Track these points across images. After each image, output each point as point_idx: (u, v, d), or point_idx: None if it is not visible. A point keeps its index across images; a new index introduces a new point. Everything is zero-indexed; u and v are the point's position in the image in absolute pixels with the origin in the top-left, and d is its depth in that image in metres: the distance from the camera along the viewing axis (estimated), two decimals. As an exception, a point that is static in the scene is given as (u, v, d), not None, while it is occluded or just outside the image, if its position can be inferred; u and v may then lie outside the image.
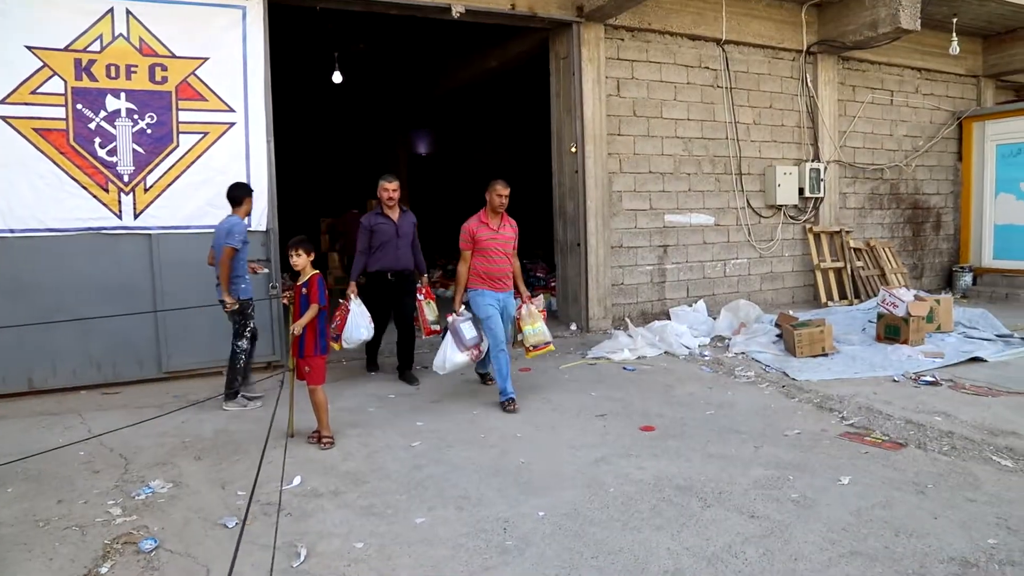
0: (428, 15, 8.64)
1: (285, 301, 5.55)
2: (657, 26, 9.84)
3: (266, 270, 7.28)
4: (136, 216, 7.22)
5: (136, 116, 7.15)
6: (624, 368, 7.83)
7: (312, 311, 5.32)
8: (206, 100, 7.41)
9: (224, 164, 7.48)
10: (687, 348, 8.57)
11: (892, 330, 8.42)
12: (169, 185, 7.31)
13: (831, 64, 11.45)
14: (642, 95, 9.91)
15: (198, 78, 7.36)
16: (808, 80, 11.28)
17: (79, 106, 6.95)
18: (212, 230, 7.39)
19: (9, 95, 6.74)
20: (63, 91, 6.89)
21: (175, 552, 3.80)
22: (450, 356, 6.41)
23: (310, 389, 5.44)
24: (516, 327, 6.87)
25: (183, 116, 7.32)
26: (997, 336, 8.62)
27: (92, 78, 6.98)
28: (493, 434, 5.66)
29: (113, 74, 7.05)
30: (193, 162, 7.37)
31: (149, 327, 7.33)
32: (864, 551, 3.67)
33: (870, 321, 9.17)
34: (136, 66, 7.13)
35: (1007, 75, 13.46)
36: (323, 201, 17.47)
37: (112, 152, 7.10)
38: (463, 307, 6.65)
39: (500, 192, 6.47)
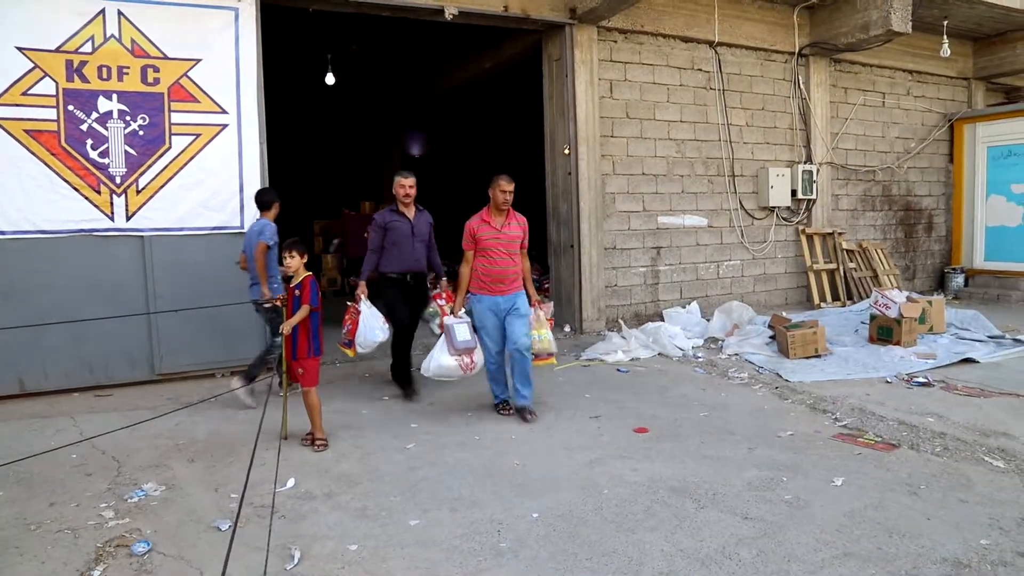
0: (421, 17, 8.63)
1: (278, 303, 5.53)
2: (650, 28, 9.86)
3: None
4: (128, 218, 7.20)
5: (128, 118, 7.13)
6: (618, 370, 7.83)
7: (303, 311, 5.30)
8: (198, 102, 7.39)
9: (217, 166, 7.46)
10: (681, 350, 8.58)
11: (885, 331, 8.45)
12: (162, 187, 7.28)
13: (823, 66, 11.49)
14: (635, 97, 9.93)
15: (190, 79, 7.34)
16: (800, 82, 11.31)
17: (71, 107, 6.92)
18: (204, 232, 7.43)
19: (0, 96, 6.71)
20: (54, 92, 6.86)
21: (168, 555, 3.79)
22: (437, 357, 5.98)
23: (303, 391, 5.43)
24: None
25: (175, 118, 7.30)
26: (989, 337, 8.65)
27: (84, 79, 6.95)
28: (487, 436, 5.66)
29: (105, 75, 7.03)
30: (186, 164, 7.35)
31: (142, 329, 7.30)
32: (857, 552, 3.68)
33: (863, 322, 9.20)
34: (128, 67, 7.11)
35: (997, 77, 13.53)
36: (316, 203, 17.43)
37: (104, 154, 7.07)
38: (463, 310, 6.23)
39: (504, 188, 5.99)
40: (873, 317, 8.71)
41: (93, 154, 7.03)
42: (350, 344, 6.58)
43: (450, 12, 8.40)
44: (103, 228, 7.13)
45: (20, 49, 6.73)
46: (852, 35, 10.58)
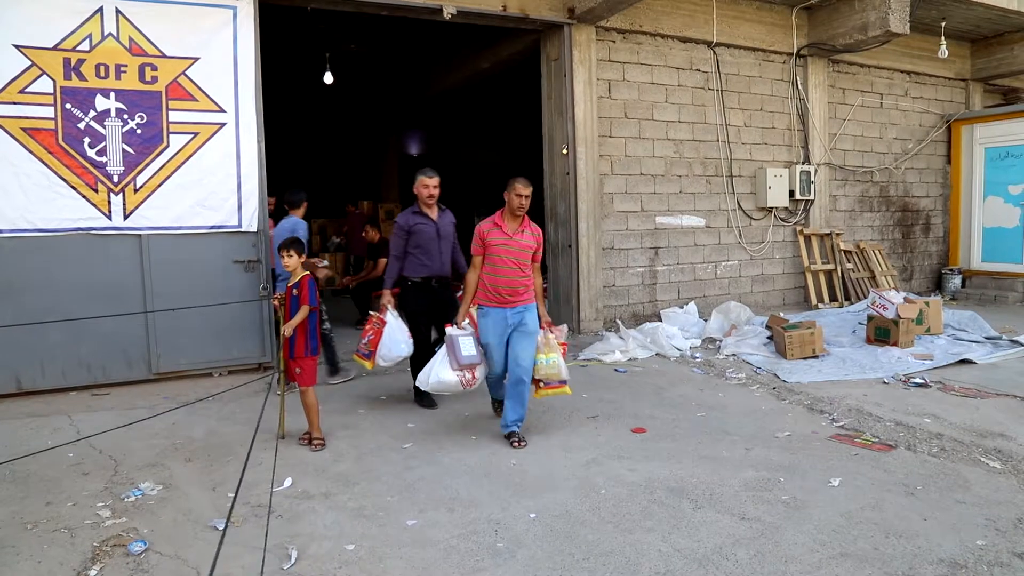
0: (419, 16, 8.63)
1: (276, 303, 5.53)
2: (648, 28, 9.86)
3: (325, 262, 7.93)
4: (126, 216, 7.18)
5: (126, 116, 7.11)
6: (616, 370, 7.83)
7: (303, 312, 5.31)
8: (196, 100, 7.38)
9: (215, 165, 7.45)
10: (678, 350, 8.59)
11: (882, 332, 8.46)
12: (159, 185, 7.27)
13: (821, 67, 11.50)
14: (633, 97, 9.93)
15: (188, 78, 7.33)
16: (798, 83, 11.32)
17: (68, 106, 6.91)
18: (202, 231, 7.43)
19: (-3, 94, 6.71)
20: (52, 90, 6.84)
21: (165, 554, 3.78)
22: (437, 371, 5.48)
23: (301, 390, 5.43)
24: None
25: (173, 116, 7.29)
26: (986, 338, 8.67)
27: (81, 77, 6.94)
28: (484, 436, 5.66)
29: (103, 74, 7.02)
30: (183, 162, 7.34)
31: (139, 328, 7.29)
32: (854, 552, 3.68)
33: (860, 323, 9.22)
34: (126, 66, 7.09)
35: (995, 79, 13.54)
36: (314, 202, 17.40)
37: (102, 152, 7.06)
38: (467, 321, 5.72)
39: (520, 192, 5.47)
40: (870, 318, 8.72)
41: (91, 152, 7.02)
42: (369, 355, 6.21)
43: (448, 11, 8.40)
44: (101, 227, 7.11)
45: (17, 47, 6.71)
46: (850, 36, 10.59)
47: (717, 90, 10.57)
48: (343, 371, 7.56)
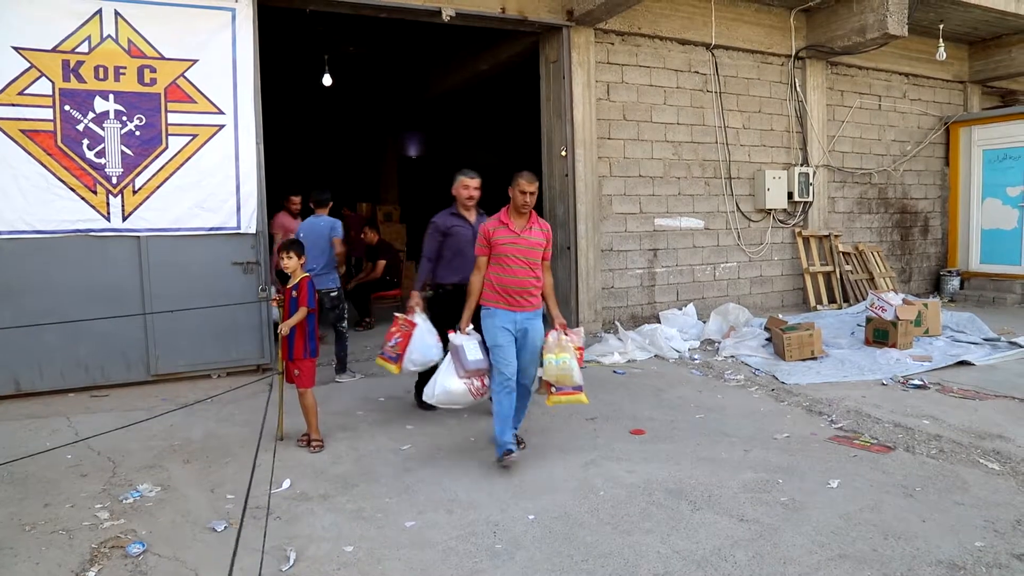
0: (418, 18, 8.63)
1: (275, 304, 5.52)
2: (647, 30, 9.87)
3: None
4: (125, 218, 7.18)
5: (125, 118, 7.11)
6: (614, 372, 7.83)
7: (300, 313, 5.31)
8: (195, 102, 7.38)
9: (213, 166, 7.45)
10: (677, 352, 8.59)
11: (881, 334, 8.47)
12: (158, 187, 7.27)
13: (820, 69, 11.51)
14: (632, 99, 9.93)
15: (187, 80, 7.33)
16: (797, 85, 11.33)
17: (67, 107, 6.91)
18: (200, 232, 7.44)
19: (-4, 96, 6.71)
20: (51, 92, 6.85)
21: (163, 556, 3.78)
22: (443, 381, 5.16)
23: (300, 392, 5.43)
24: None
25: (172, 118, 7.29)
26: (984, 340, 8.68)
27: (80, 79, 6.94)
28: (483, 437, 5.65)
29: (101, 75, 7.02)
30: (182, 164, 7.34)
31: (138, 330, 7.29)
32: (853, 554, 3.69)
33: (859, 325, 9.22)
34: (125, 68, 7.09)
35: (993, 81, 13.56)
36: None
37: (100, 154, 7.06)
38: (471, 327, 5.32)
39: (524, 188, 5.14)
40: (869, 319, 8.73)
41: (89, 154, 7.01)
42: (396, 359, 5.85)
43: (447, 13, 8.40)
44: (99, 228, 7.11)
45: (16, 49, 6.71)
46: (848, 38, 10.60)
47: (716, 92, 10.58)
48: (349, 372, 7.68)
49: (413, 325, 5.89)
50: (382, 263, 10.89)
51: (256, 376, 7.50)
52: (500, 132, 18.25)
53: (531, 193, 5.17)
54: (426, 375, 5.77)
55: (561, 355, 5.10)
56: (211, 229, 7.50)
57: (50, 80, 6.84)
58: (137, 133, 7.16)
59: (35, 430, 5.97)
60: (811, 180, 11.36)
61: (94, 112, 7.00)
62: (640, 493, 4.52)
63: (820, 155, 11.60)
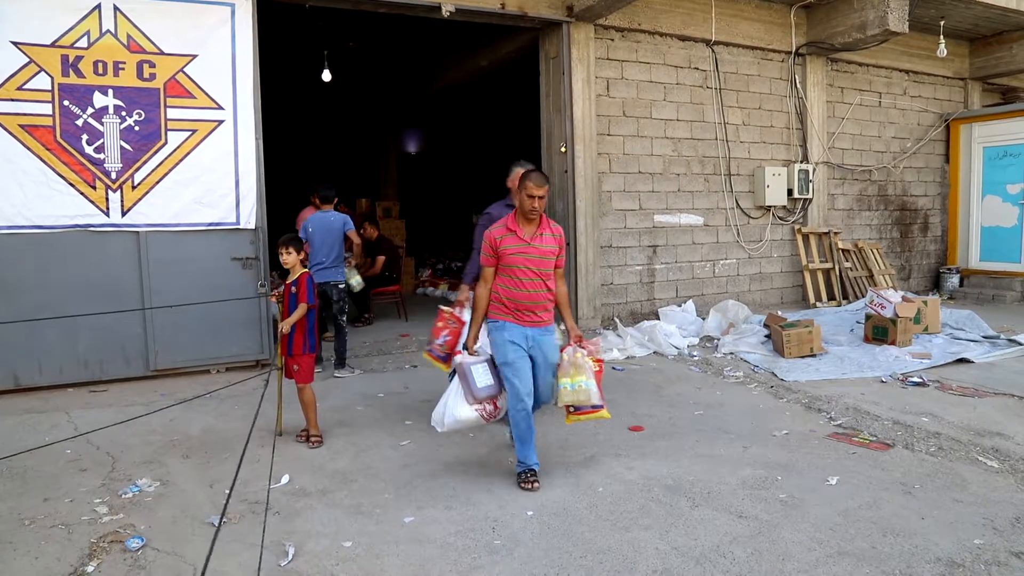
0: (418, 14, 8.62)
1: (274, 300, 5.52)
2: (647, 26, 9.86)
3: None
4: (124, 213, 7.18)
5: (124, 113, 7.10)
6: (613, 368, 7.83)
7: (301, 310, 5.31)
8: (195, 97, 7.37)
9: (213, 162, 7.45)
10: (676, 348, 8.59)
11: (880, 331, 8.47)
12: (157, 182, 7.26)
13: (820, 65, 11.50)
14: (632, 95, 9.92)
15: (186, 75, 7.32)
16: (797, 81, 11.32)
17: (66, 103, 6.90)
18: (200, 228, 7.44)
19: (-5, 91, 6.70)
20: (50, 87, 6.83)
21: (162, 551, 3.78)
22: (452, 408, 4.65)
23: (299, 387, 5.43)
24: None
25: (171, 113, 7.28)
26: (984, 337, 8.67)
27: (79, 74, 6.93)
28: (482, 434, 5.65)
29: (101, 71, 7.01)
30: (181, 160, 7.33)
31: (137, 325, 7.29)
32: (851, 551, 3.69)
33: (858, 322, 9.22)
34: (124, 63, 7.08)
35: (994, 78, 13.54)
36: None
37: (100, 149, 7.05)
38: (479, 344, 4.90)
39: (532, 192, 4.57)
40: (868, 317, 8.72)
41: (88, 149, 7.01)
42: (446, 359, 5.55)
43: (447, 9, 8.39)
44: (98, 224, 7.11)
45: (15, 44, 6.70)
46: (849, 34, 10.59)
47: (716, 88, 10.57)
48: (348, 367, 7.72)
49: (462, 323, 5.55)
50: (381, 259, 10.89)
51: (255, 371, 7.50)
52: (500, 128, 18.26)
53: (540, 198, 4.61)
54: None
55: (577, 379, 4.67)
56: (210, 224, 7.49)
57: (49, 75, 6.83)
58: (136, 128, 7.15)
59: (34, 425, 5.97)
60: (811, 177, 11.36)
61: (93, 107, 6.99)
62: (639, 490, 4.52)
63: (820, 152, 11.60)
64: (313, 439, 5.40)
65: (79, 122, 6.95)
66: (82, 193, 7.01)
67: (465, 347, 4.82)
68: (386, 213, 15.49)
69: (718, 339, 8.96)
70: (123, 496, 4.47)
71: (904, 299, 8.75)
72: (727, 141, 10.70)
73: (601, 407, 4.80)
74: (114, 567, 3.62)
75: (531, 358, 4.68)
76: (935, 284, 13.42)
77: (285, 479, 4.72)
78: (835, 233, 11.81)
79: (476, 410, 4.65)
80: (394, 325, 10.38)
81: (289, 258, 5.42)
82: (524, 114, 13.23)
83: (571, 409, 4.77)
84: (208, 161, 7.43)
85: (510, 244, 4.65)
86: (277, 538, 3.87)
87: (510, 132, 17.51)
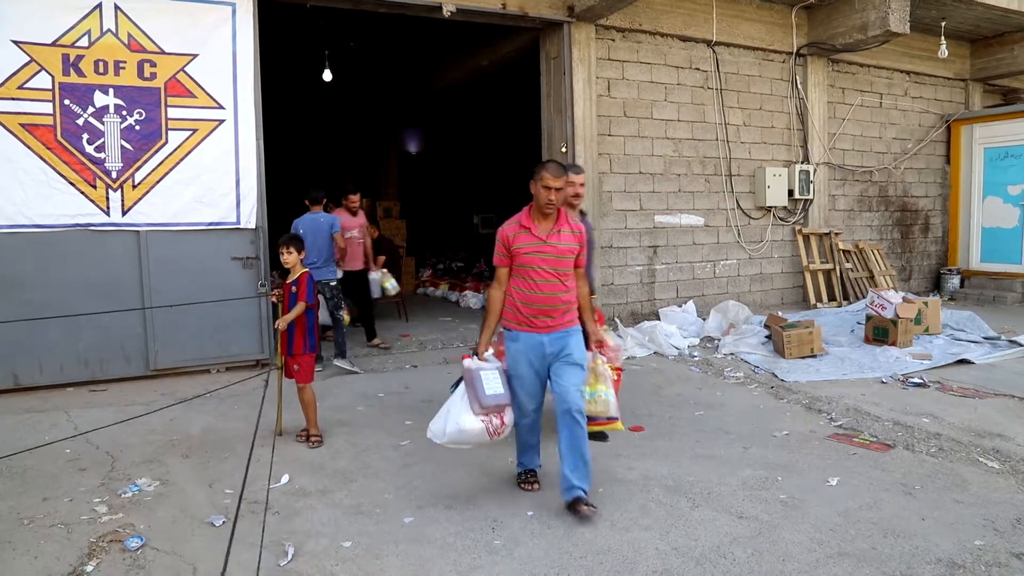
0: (419, 14, 8.62)
1: (274, 299, 5.52)
2: (648, 27, 9.85)
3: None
4: (124, 213, 7.18)
5: (124, 112, 7.10)
6: (613, 368, 7.82)
7: (298, 308, 5.30)
8: (195, 97, 7.37)
9: (213, 161, 7.44)
10: (676, 349, 8.58)
11: (880, 332, 8.46)
12: (158, 182, 7.26)
13: (821, 66, 11.49)
14: (632, 96, 9.92)
15: (187, 75, 7.31)
16: (798, 82, 11.31)
17: (67, 102, 6.89)
18: (200, 227, 7.45)
19: (-4, 90, 6.70)
20: (50, 86, 6.83)
21: (161, 550, 3.78)
22: (456, 418, 4.22)
23: (299, 387, 5.43)
24: None
25: (172, 113, 7.28)
26: (984, 338, 8.67)
27: (80, 74, 6.92)
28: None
29: (101, 70, 7.00)
30: (182, 159, 7.33)
31: (137, 324, 7.29)
32: (852, 552, 3.68)
33: (859, 323, 9.21)
34: (125, 62, 7.08)
35: (995, 79, 13.54)
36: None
37: (100, 148, 7.05)
38: (490, 352, 4.48)
39: (549, 183, 4.21)
40: (869, 318, 8.72)
41: (89, 149, 7.00)
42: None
43: (448, 9, 8.39)
44: (99, 223, 7.11)
45: (16, 43, 6.70)
46: (850, 35, 10.59)
47: (716, 89, 10.56)
48: (349, 360, 7.90)
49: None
50: (381, 259, 10.86)
51: (255, 371, 7.49)
52: (500, 128, 18.25)
53: (557, 189, 4.23)
54: None
55: (596, 387, 4.48)
56: (211, 224, 7.49)
57: (50, 74, 6.83)
58: (137, 127, 7.15)
59: (34, 424, 5.96)
60: (812, 178, 11.35)
61: (94, 106, 6.99)
62: (639, 490, 4.51)
63: (821, 153, 11.59)
64: (313, 439, 5.39)
65: (80, 121, 6.95)
66: (82, 192, 7.01)
67: (475, 352, 4.42)
68: (386, 213, 15.50)
69: (718, 340, 8.96)
70: (123, 496, 4.47)
71: (905, 300, 8.74)
72: (728, 142, 10.70)
73: (616, 419, 4.62)
74: (113, 567, 3.62)
75: (553, 364, 4.30)
76: (936, 285, 13.42)
77: (285, 479, 4.71)
78: (836, 234, 11.81)
79: (482, 421, 4.21)
80: (394, 325, 10.38)
81: (290, 258, 5.42)
82: (525, 114, 13.22)
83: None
84: (209, 160, 7.43)
85: (524, 243, 4.28)
86: (277, 538, 3.86)
87: (511, 132, 17.52)
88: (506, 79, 13.46)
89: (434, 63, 13.97)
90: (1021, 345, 8.23)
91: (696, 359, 8.22)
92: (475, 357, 4.38)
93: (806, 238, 11.55)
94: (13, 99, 6.72)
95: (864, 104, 12.22)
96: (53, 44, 6.82)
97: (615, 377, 4.58)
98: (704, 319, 9.70)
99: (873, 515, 4.11)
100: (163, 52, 7.21)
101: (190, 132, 7.35)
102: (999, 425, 5.66)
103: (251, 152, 7.60)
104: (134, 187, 7.19)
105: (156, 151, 7.24)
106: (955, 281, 13.02)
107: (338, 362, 7.78)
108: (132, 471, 4.87)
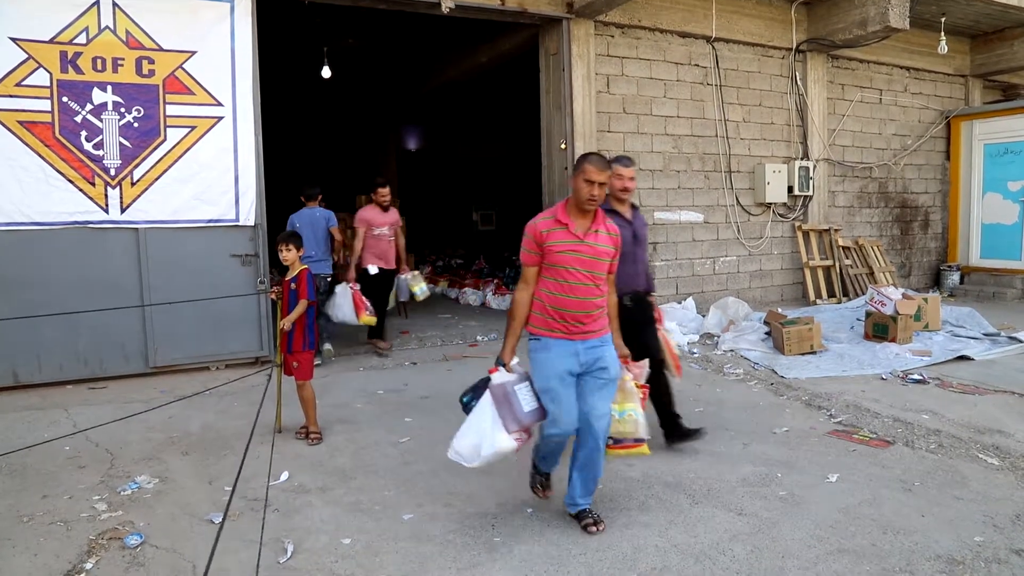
0: (418, 10, 8.60)
1: (273, 296, 5.51)
2: (647, 23, 9.84)
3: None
4: (123, 210, 7.17)
5: (123, 109, 7.09)
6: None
7: (301, 307, 5.30)
8: (194, 94, 7.36)
9: (212, 159, 7.44)
10: (676, 345, 8.56)
11: (880, 328, 8.46)
12: (156, 179, 7.25)
13: (820, 62, 11.48)
14: (632, 92, 9.91)
15: (186, 72, 7.30)
16: (798, 78, 11.30)
17: (65, 99, 6.88)
18: (199, 225, 7.44)
19: (-6, 87, 6.69)
20: (49, 84, 6.82)
21: (161, 548, 3.78)
22: (492, 436, 3.77)
23: (298, 384, 5.42)
24: None
25: (170, 110, 7.27)
26: (984, 335, 8.67)
27: (78, 71, 6.91)
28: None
29: (99, 67, 6.99)
30: (180, 156, 7.32)
31: (136, 322, 7.28)
32: (852, 548, 3.68)
33: (858, 319, 9.21)
34: (123, 59, 7.07)
35: (994, 75, 13.53)
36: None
37: (99, 146, 7.04)
38: (515, 360, 3.98)
39: (592, 176, 3.82)
40: (869, 314, 8.71)
41: (87, 146, 6.99)
42: None
43: (447, 5, 8.36)
44: (97, 220, 7.10)
45: (14, 40, 6.69)
46: (850, 31, 10.57)
47: (716, 85, 10.55)
48: (329, 347, 8.18)
49: None
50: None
51: (254, 368, 7.49)
52: (500, 125, 18.23)
53: (600, 184, 3.85)
54: (663, 407, 5.14)
55: (625, 406, 4.11)
56: (209, 221, 7.49)
57: (48, 71, 6.81)
58: (135, 125, 7.14)
59: (33, 422, 5.96)
60: (811, 174, 11.34)
61: (92, 103, 6.98)
62: (639, 486, 4.51)
63: (820, 149, 11.58)
64: (312, 436, 5.39)
65: (78, 118, 6.94)
66: (81, 190, 7.00)
67: (500, 363, 3.94)
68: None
69: (718, 336, 8.95)
70: (122, 493, 4.46)
71: (904, 296, 8.74)
72: (727, 138, 10.69)
73: (644, 441, 4.20)
74: (113, 564, 3.62)
75: (585, 377, 3.92)
76: (935, 281, 13.41)
77: (284, 476, 4.71)
78: (835, 230, 11.80)
79: (516, 439, 3.83)
80: (393, 322, 10.36)
81: (289, 255, 5.41)
82: (524, 111, 13.21)
83: (610, 441, 4.07)
84: (207, 158, 7.42)
85: (559, 240, 3.87)
86: (276, 535, 3.86)
87: (510, 129, 17.50)
88: (505, 75, 13.46)
89: (433, 60, 13.96)
90: (1021, 341, 8.23)
91: (696, 356, 8.22)
92: (502, 369, 3.90)
93: (806, 234, 11.54)
94: (11, 96, 6.71)
95: (864, 100, 12.21)
96: (51, 41, 6.81)
97: (641, 395, 4.25)
98: (704, 316, 9.69)
99: (873, 511, 4.11)
100: (161, 49, 7.20)
101: (189, 129, 7.34)
102: (999, 421, 5.66)
103: (250, 149, 7.59)
104: (133, 184, 7.18)
105: (154, 148, 7.23)
106: (955, 277, 13.02)
107: (322, 347, 7.95)
108: (131, 468, 4.87)
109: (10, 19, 6.67)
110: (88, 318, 6.84)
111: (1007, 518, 3.99)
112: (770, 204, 11.15)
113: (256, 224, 7.64)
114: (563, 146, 9.47)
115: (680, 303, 10.07)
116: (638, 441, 4.16)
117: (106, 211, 7.11)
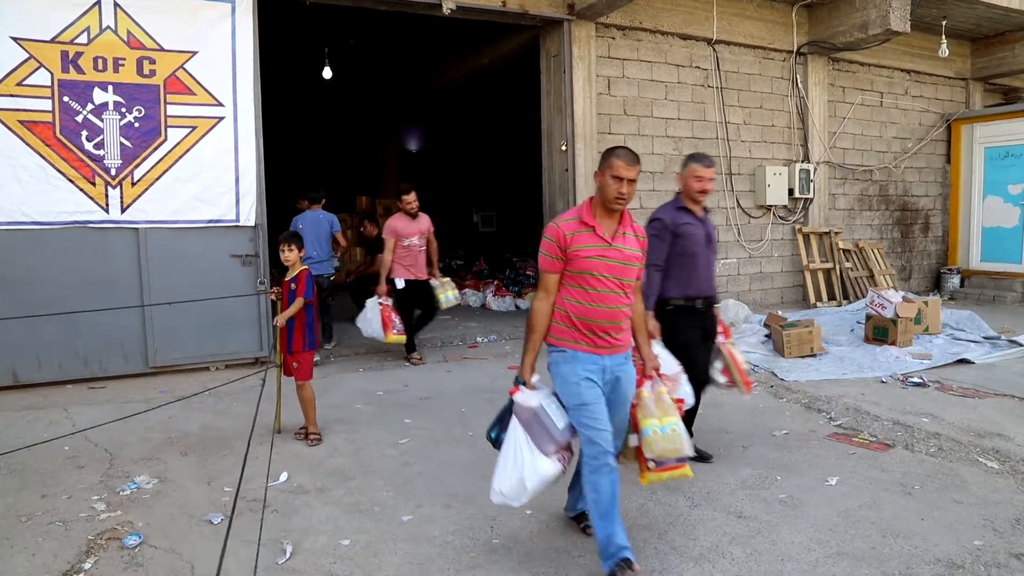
0: (419, 11, 8.61)
1: (273, 297, 5.51)
2: (648, 25, 9.84)
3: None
4: (123, 210, 7.17)
5: (124, 109, 7.09)
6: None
7: (297, 304, 5.28)
8: (195, 94, 7.36)
9: (212, 159, 7.44)
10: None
11: (880, 331, 8.45)
12: (157, 179, 7.25)
13: (821, 65, 11.48)
14: (633, 94, 9.91)
15: (187, 72, 7.30)
16: (798, 81, 11.30)
17: (66, 99, 6.88)
18: (199, 225, 7.45)
19: (-5, 86, 6.69)
20: (50, 83, 6.82)
21: (159, 548, 3.77)
22: (531, 468, 3.47)
23: (298, 385, 5.42)
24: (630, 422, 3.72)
25: (171, 110, 7.27)
26: (984, 338, 8.66)
27: (79, 70, 6.91)
28: (480, 432, 5.62)
29: (100, 67, 6.99)
30: (181, 156, 7.32)
31: (136, 322, 7.28)
32: (851, 552, 3.68)
33: (858, 322, 9.20)
34: (124, 59, 7.07)
35: (995, 78, 13.53)
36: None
37: (99, 145, 7.04)
38: (536, 376, 3.64)
39: (620, 172, 3.52)
40: (869, 317, 8.71)
41: (88, 146, 6.99)
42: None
43: (448, 7, 8.37)
44: (98, 220, 7.10)
45: (15, 39, 6.69)
46: (850, 34, 10.58)
47: (717, 87, 10.56)
48: (335, 341, 8.71)
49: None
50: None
51: (254, 369, 7.49)
52: (501, 126, 18.23)
53: (630, 181, 3.54)
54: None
55: (666, 420, 3.64)
56: (210, 221, 7.49)
57: (49, 71, 6.81)
58: (136, 125, 7.14)
59: (33, 421, 5.96)
60: (812, 177, 11.34)
61: (93, 103, 6.98)
62: (637, 489, 4.50)
63: (821, 152, 11.58)
64: (312, 437, 5.39)
65: (79, 118, 6.94)
66: (81, 189, 7.00)
67: (521, 382, 3.60)
68: (387, 211, 15.48)
69: (718, 338, 8.93)
70: (121, 493, 4.46)
71: (905, 299, 8.73)
72: (728, 140, 10.69)
73: (686, 461, 3.75)
74: (111, 564, 3.62)
75: (606, 395, 3.58)
76: (936, 284, 13.41)
77: (283, 477, 4.71)
78: (836, 233, 11.80)
79: (559, 460, 3.53)
80: (394, 323, 10.35)
81: (290, 255, 5.40)
82: (525, 112, 13.20)
83: (650, 464, 3.66)
84: (208, 158, 7.42)
85: (585, 244, 3.50)
86: (275, 536, 3.86)
87: (511, 130, 17.50)
88: (506, 77, 13.46)
89: (434, 61, 13.96)
90: (1021, 345, 8.23)
91: (696, 358, 8.20)
92: (523, 388, 3.58)
93: (806, 237, 11.54)
94: (12, 96, 6.71)
95: (864, 103, 12.21)
96: (52, 41, 6.81)
97: (678, 410, 3.84)
98: (704, 318, 9.67)
99: (872, 515, 4.10)
100: (162, 49, 7.20)
101: (189, 129, 7.34)
102: (999, 425, 5.66)
103: (250, 150, 7.59)
104: (133, 184, 7.17)
105: (155, 148, 7.23)
106: (955, 280, 13.02)
107: (325, 345, 8.42)
108: (130, 468, 4.86)
109: (11, 19, 6.67)
110: (88, 318, 6.83)
111: (1007, 522, 3.99)
112: (771, 206, 11.15)
113: (256, 224, 7.64)
114: (564, 147, 9.47)
115: (680, 305, 10.04)
116: (680, 461, 3.71)
117: (106, 211, 7.11)
